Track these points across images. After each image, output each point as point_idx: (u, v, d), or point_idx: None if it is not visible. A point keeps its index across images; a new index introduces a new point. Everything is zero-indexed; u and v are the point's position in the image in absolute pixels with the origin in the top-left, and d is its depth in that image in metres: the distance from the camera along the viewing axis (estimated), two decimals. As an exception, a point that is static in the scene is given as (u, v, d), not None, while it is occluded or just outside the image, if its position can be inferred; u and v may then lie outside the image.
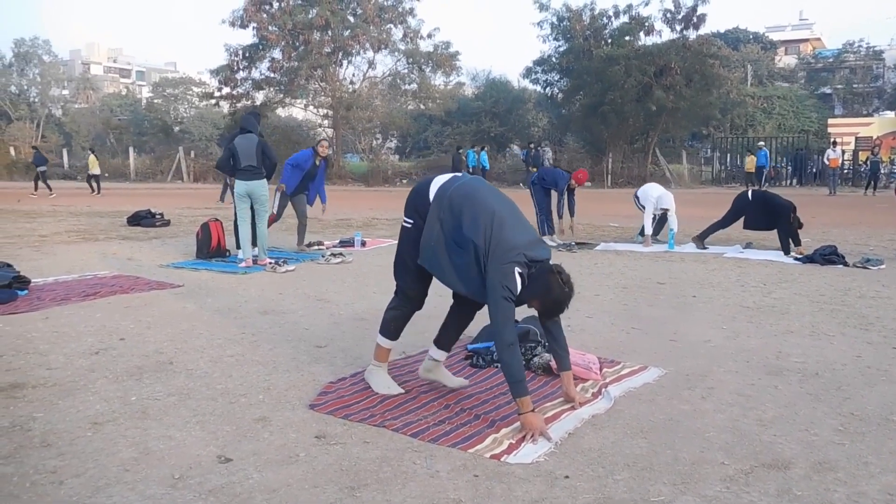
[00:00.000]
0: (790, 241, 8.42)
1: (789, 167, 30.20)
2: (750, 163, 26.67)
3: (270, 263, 7.18)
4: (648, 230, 9.42)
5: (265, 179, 7.36)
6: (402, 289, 3.34)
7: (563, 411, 3.08)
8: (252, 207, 7.40)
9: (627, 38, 29.14)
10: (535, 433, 2.79)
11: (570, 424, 2.94)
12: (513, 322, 2.91)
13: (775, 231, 8.68)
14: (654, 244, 9.46)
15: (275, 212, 8.50)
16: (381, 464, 2.56)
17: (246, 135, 7.34)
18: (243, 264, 7.32)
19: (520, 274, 2.90)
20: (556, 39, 31.17)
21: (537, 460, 2.60)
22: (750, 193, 9.18)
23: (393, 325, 3.34)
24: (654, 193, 9.52)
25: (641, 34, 29.36)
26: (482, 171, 27.16)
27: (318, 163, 8.58)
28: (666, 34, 29.31)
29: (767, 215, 8.75)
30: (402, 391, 3.30)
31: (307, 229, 8.98)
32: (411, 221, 3.21)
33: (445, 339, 3.40)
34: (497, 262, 2.88)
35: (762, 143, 28.06)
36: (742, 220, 9.09)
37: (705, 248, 8.89)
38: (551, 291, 2.93)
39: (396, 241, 3.38)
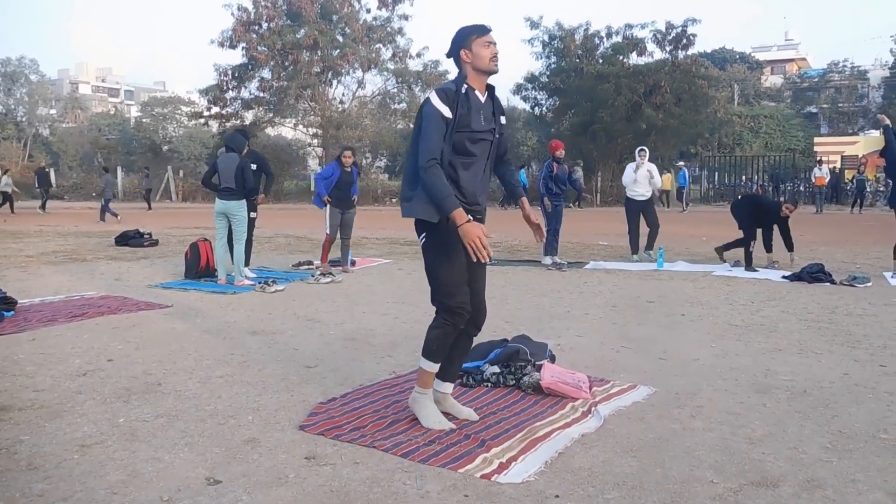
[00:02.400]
0: (789, 241, 8.85)
1: (770, 186, 30.52)
2: (666, 181, 27.00)
3: (260, 284, 7.16)
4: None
5: (243, 200, 7.40)
6: (444, 304, 3.09)
7: (554, 430, 3.08)
8: (231, 227, 7.49)
9: (620, 56, 29.49)
10: (475, 240, 2.86)
11: (559, 444, 2.94)
12: (435, 153, 2.94)
13: (774, 241, 8.98)
14: (645, 261, 9.53)
15: (328, 232, 8.56)
16: (372, 484, 2.55)
17: (229, 154, 7.38)
18: (219, 282, 7.46)
19: (442, 91, 3.02)
20: (547, 57, 31.48)
21: (527, 480, 2.59)
22: (740, 196, 9.73)
23: (435, 345, 3.10)
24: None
25: (634, 55, 29.73)
26: (522, 189, 27.02)
27: (348, 170, 8.55)
28: (656, 55, 29.78)
29: (761, 213, 8.93)
30: (454, 427, 3.09)
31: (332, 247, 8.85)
32: (424, 233, 3.11)
33: (447, 369, 3.24)
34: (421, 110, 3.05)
35: (682, 162, 28.46)
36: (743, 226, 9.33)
37: (756, 271, 8.49)
38: (462, 30, 3.13)
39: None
